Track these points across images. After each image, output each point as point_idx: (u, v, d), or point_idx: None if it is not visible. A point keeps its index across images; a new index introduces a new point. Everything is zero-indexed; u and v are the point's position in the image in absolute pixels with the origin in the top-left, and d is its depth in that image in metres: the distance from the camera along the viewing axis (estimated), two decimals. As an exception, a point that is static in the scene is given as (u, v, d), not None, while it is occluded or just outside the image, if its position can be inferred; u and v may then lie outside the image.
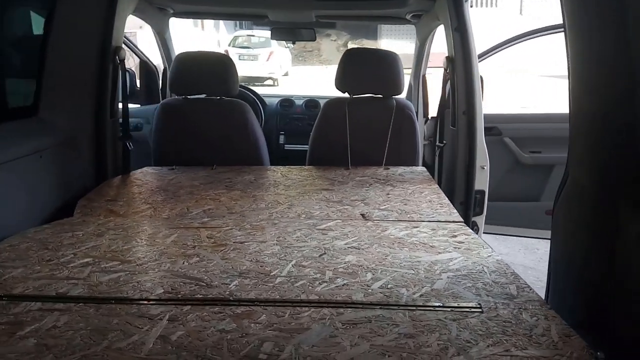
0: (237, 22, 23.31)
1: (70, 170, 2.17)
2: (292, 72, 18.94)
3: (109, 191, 2.21)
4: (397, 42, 19.69)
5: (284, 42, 19.19)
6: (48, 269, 1.41)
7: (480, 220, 2.48)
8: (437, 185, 2.31)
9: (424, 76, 3.53)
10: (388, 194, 2.16)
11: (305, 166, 2.72)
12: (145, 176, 2.46)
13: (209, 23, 18.38)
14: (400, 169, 2.54)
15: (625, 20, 1.10)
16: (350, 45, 23.27)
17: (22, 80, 2.15)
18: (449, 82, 2.92)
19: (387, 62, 2.62)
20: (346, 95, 2.67)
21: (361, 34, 23.40)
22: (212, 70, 2.59)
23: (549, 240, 3.47)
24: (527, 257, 4.33)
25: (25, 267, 1.42)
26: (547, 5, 21.17)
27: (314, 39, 3.50)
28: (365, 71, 2.63)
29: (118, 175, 2.45)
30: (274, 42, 17.64)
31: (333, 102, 2.67)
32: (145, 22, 2.94)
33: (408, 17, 3.07)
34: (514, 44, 3.08)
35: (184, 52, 2.72)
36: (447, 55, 2.43)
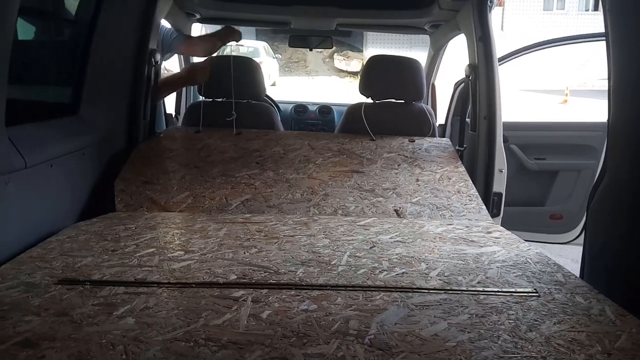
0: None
1: (107, 168, 2.22)
2: (279, 82, 19.05)
3: (143, 169, 2.24)
4: (382, 51, 19.94)
5: (272, 52, 19.24)
6: (117, 257, 1.47)
7: (497, 221, 2.59)
8: (463, 168, 2.36)
9: (433, 85, 3.65)
10: (417, 180, 2.24)
11: (333, 133, 2.81)
12: (173, 143, 2.52)
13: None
14: (426, 143, 2.58)
15: None
16: (336, 57, 23.46)
17: (63, 80, 2.19)
18: (460, 87, 3.04)
19: (409, 68, 2.73)
20: (369, 100, 2.77)
21: (346, 46, 23.63)
22: (242, 74, 2.66)
23: (553, 245, 3.54)
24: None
25: (92, 256, 1.48)
26: (528, 21, 21.79)
27: (331, 47, 3.61)
28: (389, 77, 2.73)
29: None
30: (262, 52, 17.74)
31: (356, 107, 2.76)
32: (171, 25, 3.01)
33: (427, 27, 3.19)
34: (531, 52, 3.21)
35: (214, 56, 2.81)
36: (469, 63, 2.55)
